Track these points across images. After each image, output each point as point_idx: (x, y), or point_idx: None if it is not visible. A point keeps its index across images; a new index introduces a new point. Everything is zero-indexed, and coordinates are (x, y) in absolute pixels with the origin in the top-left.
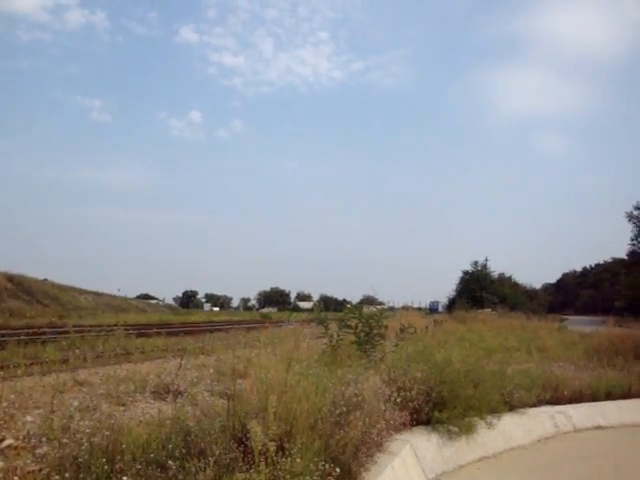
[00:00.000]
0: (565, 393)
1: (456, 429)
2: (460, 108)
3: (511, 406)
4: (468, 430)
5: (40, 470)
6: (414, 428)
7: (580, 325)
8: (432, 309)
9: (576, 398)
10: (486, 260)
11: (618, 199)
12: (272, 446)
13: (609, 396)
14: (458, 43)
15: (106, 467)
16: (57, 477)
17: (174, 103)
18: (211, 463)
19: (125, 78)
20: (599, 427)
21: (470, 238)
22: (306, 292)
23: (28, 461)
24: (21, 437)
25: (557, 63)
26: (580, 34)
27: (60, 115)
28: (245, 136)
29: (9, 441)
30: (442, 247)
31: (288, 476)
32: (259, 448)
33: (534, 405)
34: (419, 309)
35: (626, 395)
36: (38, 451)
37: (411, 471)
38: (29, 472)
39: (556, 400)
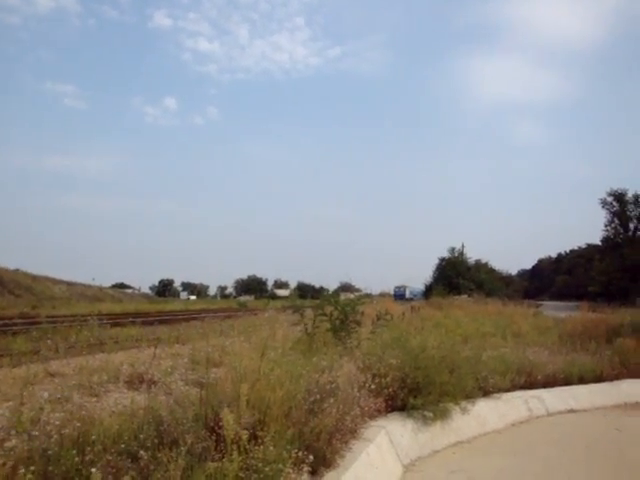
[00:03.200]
0: (539, 378)
1: (431, 415)
2: (437, 94)
3: (486, 391)
4: (443, 415)
5: (4, 464)
6: (389, 414)
7: (555, 310)
8: (397, 295)
9: (549, 382)
10: (462, 246)
11: (594, 186)
12: (244, 434)
13: (582, 380)
14: (434, 29)
15: (76, 459)
16: (23, 470)
17: (149, 89)
18: (183, 452)
19: (98, 64)
20: (572, 410)
21: (447, 225)
22: (283, 279)
23: None
24: None
25: (532, 51)
26: (555, 22)
27: (30, 101)
28: (221, 123)
29: None
30: (420, 234)
31: (260, 464)
32: (231, 437)
33: (508, 390)
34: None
35: (598, 379)
36: (7, 444)
37: (386, 457)
38: None
39: (530, 385)
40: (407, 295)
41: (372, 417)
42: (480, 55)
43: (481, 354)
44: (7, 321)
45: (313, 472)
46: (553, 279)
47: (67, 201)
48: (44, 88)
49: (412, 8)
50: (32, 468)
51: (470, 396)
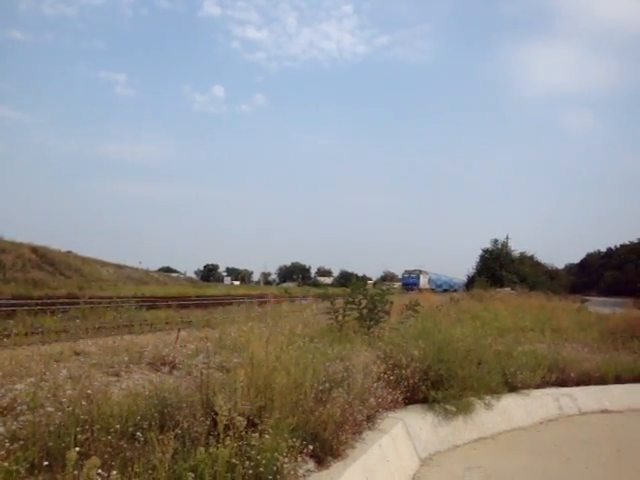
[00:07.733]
0: (572, 375)
1: (453, 409)
2: (487, 84)
3: (513, 387)
4: (466, 410)
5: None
6: (409, 406)
7: (601, 306)
8: (407, 284)
9: (583, 380)
10: (507, 238)
11: None
12: (239, 421)
13: (618, 379)
14: (485, 17)
15: (79, 437)
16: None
17: (197, 77)
18: (177, 436)
19: (149, 52)
20: (606, 411)
21: (492, 216)
22: (326, 267)
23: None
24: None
25: (587, 37)
26: (612, 6)
27: (84, 90)
28: (268, 111)
29: None
30: (465, 226)
31: (254, 452)
32: (224, 422)
33: (538, 387)
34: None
35: (637, 379)
36: (21, 418)
37: (402, 449)
38: None
39: (562, 382)
40: (422, 284)
41: (390, 409)
42: (532, 43)
43: (513, 348)
44: (46, 300)
45: (319, 462)
46: (602, 274)
47: (118, 187)
48: (97, 77)
49: None
50: (8, 446)
51: (495, 391)
